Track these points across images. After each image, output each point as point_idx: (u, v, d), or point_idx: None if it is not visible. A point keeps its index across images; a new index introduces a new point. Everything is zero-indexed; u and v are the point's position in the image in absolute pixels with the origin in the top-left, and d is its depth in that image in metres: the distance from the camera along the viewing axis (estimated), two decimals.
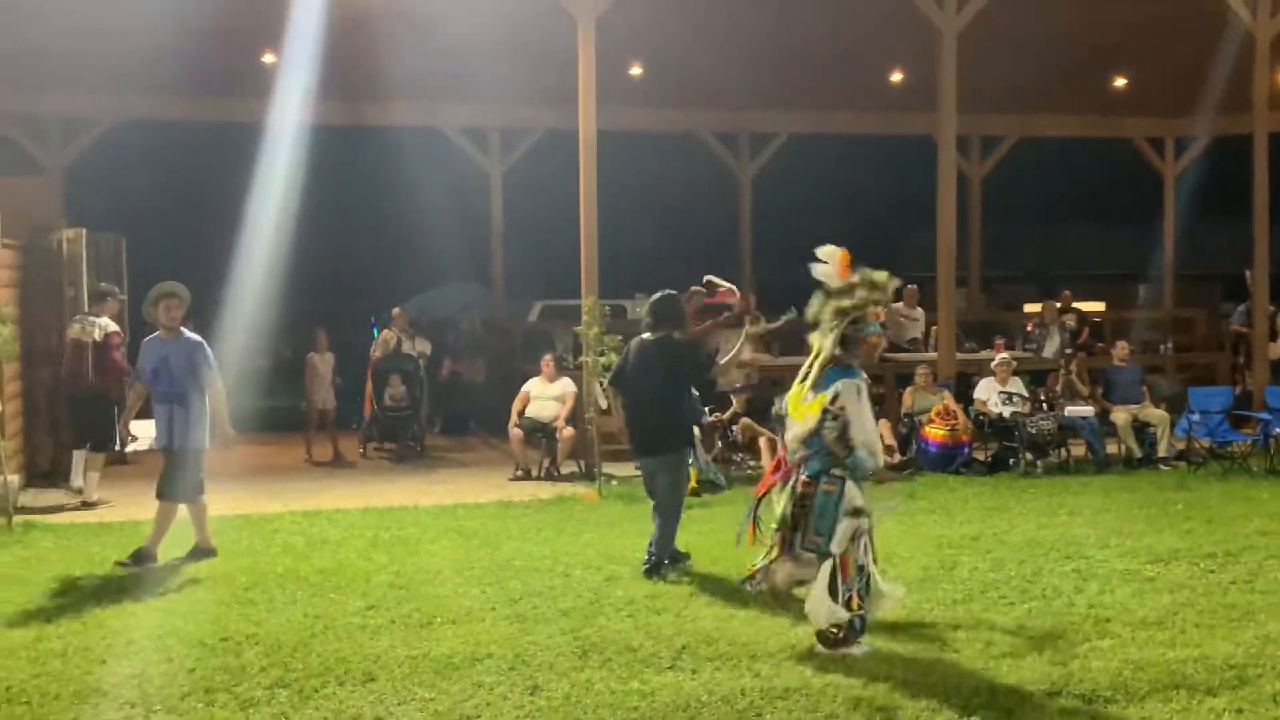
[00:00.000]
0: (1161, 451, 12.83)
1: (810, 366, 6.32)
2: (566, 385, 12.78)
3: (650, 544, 7.99)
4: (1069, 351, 14.79)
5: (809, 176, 29.00)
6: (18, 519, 9.84)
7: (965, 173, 19.98)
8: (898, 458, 12.54)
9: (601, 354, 11.31)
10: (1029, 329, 16.48)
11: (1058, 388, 13.50)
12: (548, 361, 13.03)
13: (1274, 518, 9.59)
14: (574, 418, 12.49)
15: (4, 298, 10.96)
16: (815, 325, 6.35)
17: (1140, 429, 13.03)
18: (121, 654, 6.24)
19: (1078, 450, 12.81)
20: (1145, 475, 12.20)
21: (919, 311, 16.53)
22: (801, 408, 6.22)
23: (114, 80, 15.92)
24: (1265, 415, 13.01)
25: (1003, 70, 16.14)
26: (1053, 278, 29.41)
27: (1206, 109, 17.49)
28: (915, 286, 16.39)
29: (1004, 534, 9.14)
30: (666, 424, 8.07)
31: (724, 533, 9.09)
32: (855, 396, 6.12)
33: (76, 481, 11.26)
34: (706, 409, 11.53)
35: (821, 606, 6.06)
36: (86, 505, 10.88)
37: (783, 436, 6.49)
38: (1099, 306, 23.96)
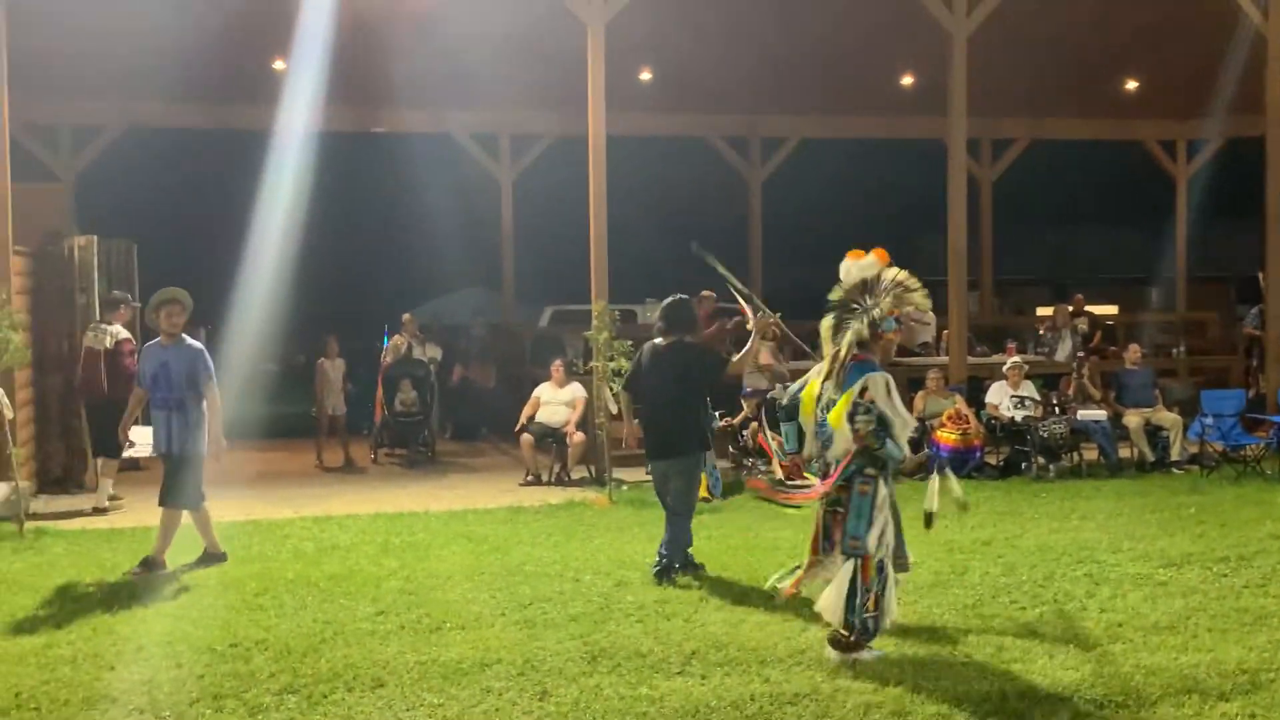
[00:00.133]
0: (1174, 455, 12.76)
1: (830, 364, 6.29)
2: (577, 390, 12.78)
3: (661, 547, 7.99)
4: (1081, 355, 14.74)
5: (819, 180, 29.00)
6: (29, 525, 9.85)
7: (976, 176, 19.93)
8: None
9: (611, 359, 11.30)
10: (1041, 332, 16.44)
11: (1070, 391, 13.45)
12: (558, 366, 13.03)
13: None
14: (584, 423, 12.49)
15: (16, 305, 10.99)
16: (833, 322, 6.31)
17: (1153, 432, 12.98)
18: (131, 660, 6.24)
19: (1090, 454, 12.76)
20: (1158, 479, 12.15)
21: (930, 315, 16.43)
22: (834, 411, 6.15)
23: (125, 87, 16.00)
24: (1278, 419, 12.95)
25: (1013, 73, 16.11)
26: (1065, 281, 29.38)
27: (1218, 111, 17.44)
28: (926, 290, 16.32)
29: (1016, 538, 9.11)
30: (679, 427, 8.09)
31: (733, 538, 9.12)
32: (884, 388, 6.10)
33: (107, 490, 11.28)
34: (716, 414, 11.52)
35: (835, 605, 6.05)
36: (98, 511, 10.91)
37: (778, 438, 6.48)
38: (1111, 310, 23.95)
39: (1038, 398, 13.02)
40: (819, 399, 6.31)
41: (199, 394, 8.45)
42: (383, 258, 34.20)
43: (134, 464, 12.28)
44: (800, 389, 6.53)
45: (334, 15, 12.68)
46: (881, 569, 6.12)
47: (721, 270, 8.29)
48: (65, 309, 12.16)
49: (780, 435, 11.15)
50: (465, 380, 16.87)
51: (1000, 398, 12.95)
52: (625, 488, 11.56)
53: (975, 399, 13.31)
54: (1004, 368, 13.28)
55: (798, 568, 6.47)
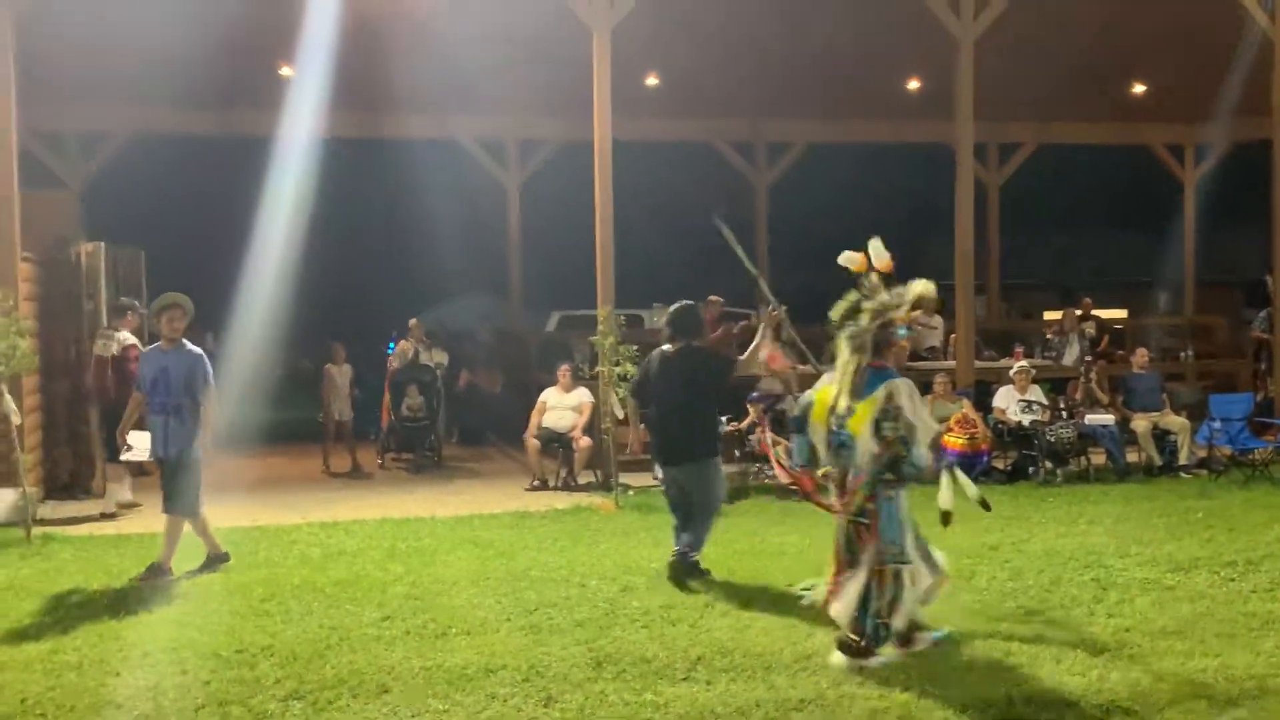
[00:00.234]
0: (1182, 459, 12.74)
1: (845, 374, 6.26)
2: (583, 395, 12.77)
3: (680, 540, 7.98)
4: (1089, 359, 14.70)
5: (826, 185, 28.93)
6: (36, 531, 9.87)
7: (983, 180, 19.92)
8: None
9: (617, 364, 11.30)
10: (1048, 336, 16.41)
11: (1077, 395, 13.43)
12: (564, 371, 13.03)
13: None
14: (591, 428, 12.49)
15: (23, 311, 11.01)
16: (842, 327, 6.29)
17: (1161, 437, 12.95)
18: (136, 666, 6.24)
19: (1098, 458, 12.73)
20: (1166, 483, 12.11)
21: (937, 320, 16.45)
22: (855, 420, 6.11)
23: (132, 94, 16.03)
24: None
25: (1020, 77, 16.08)
26: (1072, 285, 29.31)
27: (1226, 115, 17.39)
28: None
29: (1023, 543, 9.08)
30: (688, 433, 8.13)
31: (739, 543, 9.10)
32: (908, 394, 6.07)
33: (125, 495, 11.29)
34: (724, 419, 11.50)
35: (848, 609, 6.04)
36: (105, 516, 10.92)
37: (791, 444, 6.43)
38: (1119, 314, 23.87)
39: (1045, 402, 12.99)
40: (832, 409, 6.26)
41: (197, 400, 8.45)
42: (389, 263, 34.20)
43: (140, 469, 12.28)
44: (810, 400, 6.48)
45: (340, 21, 12.70)
46: (898, 576, 6.10)
47: (737, 250, 8.35)
48: (73, 315, 12.18)
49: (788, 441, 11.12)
50: (471, 385, 16.88)
51: (1007, 402, 12.93)
52: (631, 493, 11.55)
53: (982, 403, 13.28)
54: (1011, 372, 13.26)
55: (820, 584, 6.43)
